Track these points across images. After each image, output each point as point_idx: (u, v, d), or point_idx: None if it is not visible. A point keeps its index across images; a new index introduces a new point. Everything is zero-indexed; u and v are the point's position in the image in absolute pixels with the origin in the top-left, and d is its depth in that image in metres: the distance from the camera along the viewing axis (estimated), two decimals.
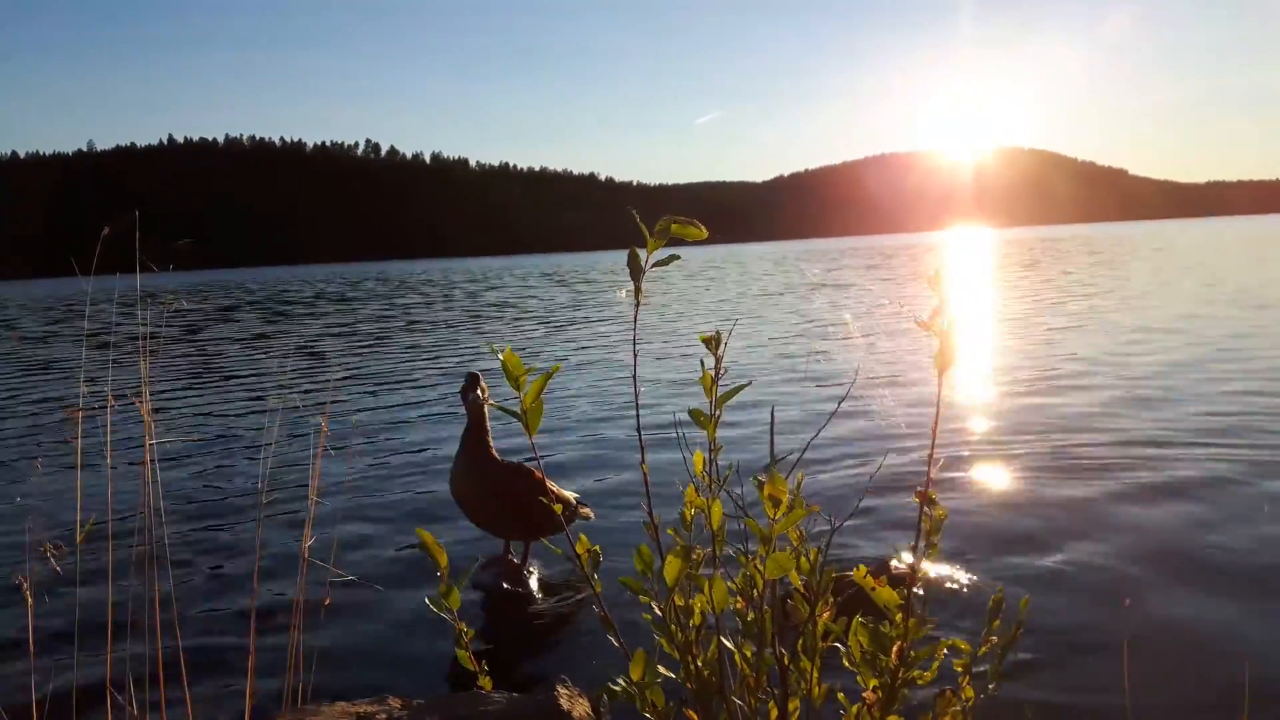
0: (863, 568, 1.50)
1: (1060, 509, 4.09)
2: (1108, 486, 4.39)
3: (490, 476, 3.45)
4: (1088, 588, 3.22)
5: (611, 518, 4.20)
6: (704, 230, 1.54)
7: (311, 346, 13.77)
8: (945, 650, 1.52)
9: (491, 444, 3.52)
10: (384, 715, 1.50)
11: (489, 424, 3.53)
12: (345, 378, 9.84)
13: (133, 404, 2.10)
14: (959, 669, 1.56)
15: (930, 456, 1.51)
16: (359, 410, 7.56)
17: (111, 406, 2.11)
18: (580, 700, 1.62)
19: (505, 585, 3.47)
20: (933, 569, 3.20)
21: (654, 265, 1.54)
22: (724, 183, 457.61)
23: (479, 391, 3.44)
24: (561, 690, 1.60)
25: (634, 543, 1.53)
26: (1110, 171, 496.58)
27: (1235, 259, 27.03)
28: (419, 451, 5.92)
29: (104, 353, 10.21)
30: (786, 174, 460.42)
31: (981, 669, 1.54)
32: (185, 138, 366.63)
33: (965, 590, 3.19)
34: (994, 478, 4.63)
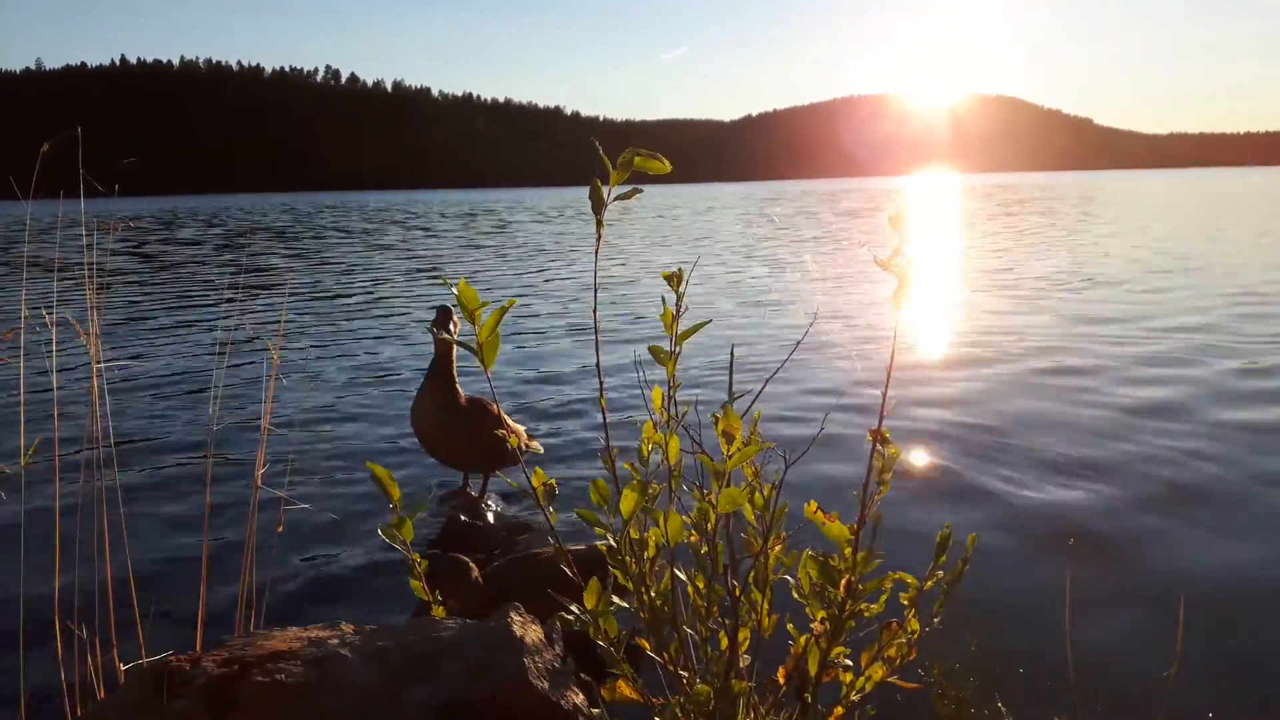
0: (813, 503, 1.52)
1: (1012, 441, 4.19)
2: (1060, 416, 4.58)
3: (449, 410, 3.44)
4: (1036, 522, 3.31)
5: (573, 452, 4.23)
6: (667, 164, 1.52)
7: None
8: (891, 584, 1.55)
9: (455, 379, 3.50)
10: (336, 640, 1.51)
11: (455, 359, 3.50)
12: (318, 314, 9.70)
13: (76, 332, 2.05)
14: (905, 602, 1.60)
15: (884, 395, 1.53)
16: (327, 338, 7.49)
17: (54, 328, 2.06)
18: (533, 627, 1.64)
19: (463, 518, 3.49)
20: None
21: (616, 198, 1.52)
22: (692, 120, 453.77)
23: (448, 327, 3.41)
24: (515, 617, 1.61)
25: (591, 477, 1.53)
26: (1076, 120, 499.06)
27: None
28: (385, 379, 5.89)
29: (46, 278, 9.98)
30: (755, 113, 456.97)
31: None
32: (139, 58, 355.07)
33: (916, 523, 3.26)
34: (945, 415, 4.70)
